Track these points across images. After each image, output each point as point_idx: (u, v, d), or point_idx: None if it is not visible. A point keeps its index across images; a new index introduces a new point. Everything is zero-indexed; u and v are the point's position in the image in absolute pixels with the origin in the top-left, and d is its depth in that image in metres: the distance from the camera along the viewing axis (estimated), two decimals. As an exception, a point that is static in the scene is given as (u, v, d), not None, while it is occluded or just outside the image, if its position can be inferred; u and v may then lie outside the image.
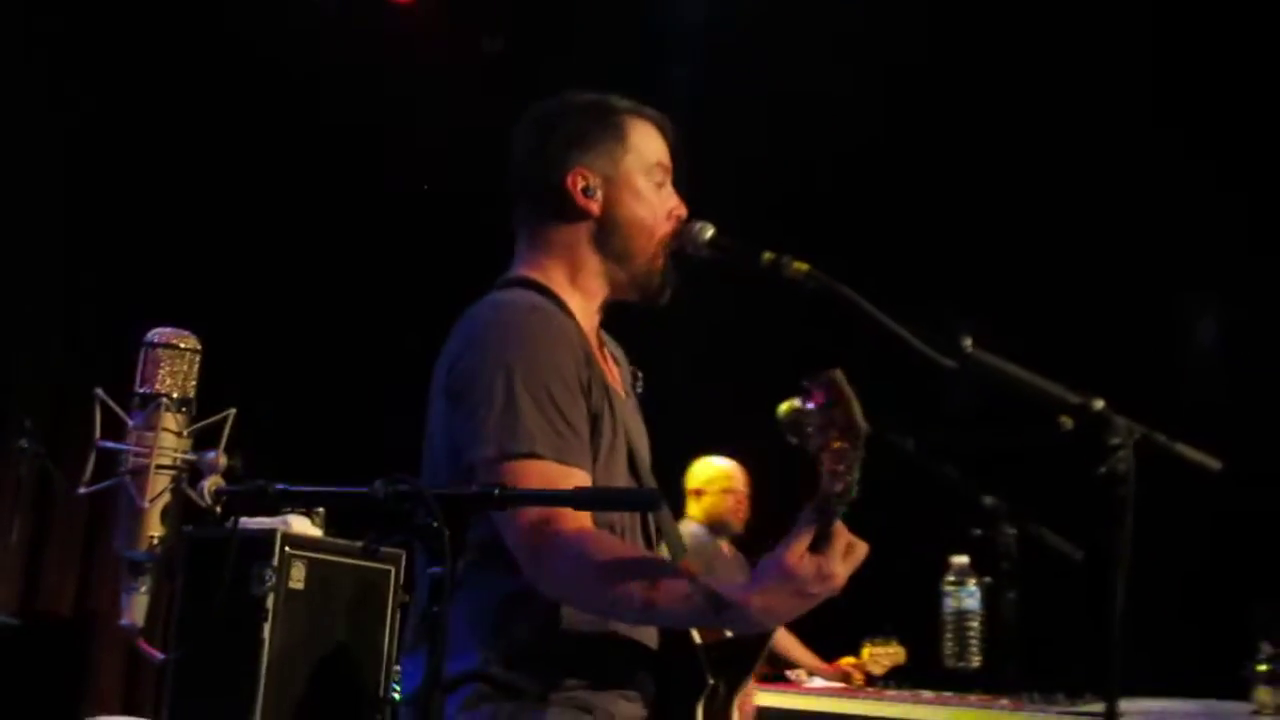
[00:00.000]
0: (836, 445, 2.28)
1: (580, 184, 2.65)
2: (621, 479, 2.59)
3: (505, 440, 2.38)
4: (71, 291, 7.11)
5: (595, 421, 2.52)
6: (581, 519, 2.38)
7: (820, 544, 2.27)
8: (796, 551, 2.27)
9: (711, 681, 2.53)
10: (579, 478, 2.40)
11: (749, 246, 2.64)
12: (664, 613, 2.38)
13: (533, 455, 2.37)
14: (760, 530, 5.95)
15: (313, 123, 7.66)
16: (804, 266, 2.57)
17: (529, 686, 2.43)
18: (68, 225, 7.08)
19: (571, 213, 2.67)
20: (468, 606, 2.44)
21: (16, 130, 6.83)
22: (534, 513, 2.33)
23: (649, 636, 2.57)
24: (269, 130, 7.64)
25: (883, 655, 5.45)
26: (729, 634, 2.60)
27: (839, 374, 2.30)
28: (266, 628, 5.66)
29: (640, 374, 2.87)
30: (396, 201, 8.02)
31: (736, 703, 2.59)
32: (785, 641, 5.71)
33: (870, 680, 5.45)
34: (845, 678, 5.50)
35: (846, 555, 2.28)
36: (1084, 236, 6.42)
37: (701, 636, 2.58)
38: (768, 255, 2.60)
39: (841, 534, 2.28)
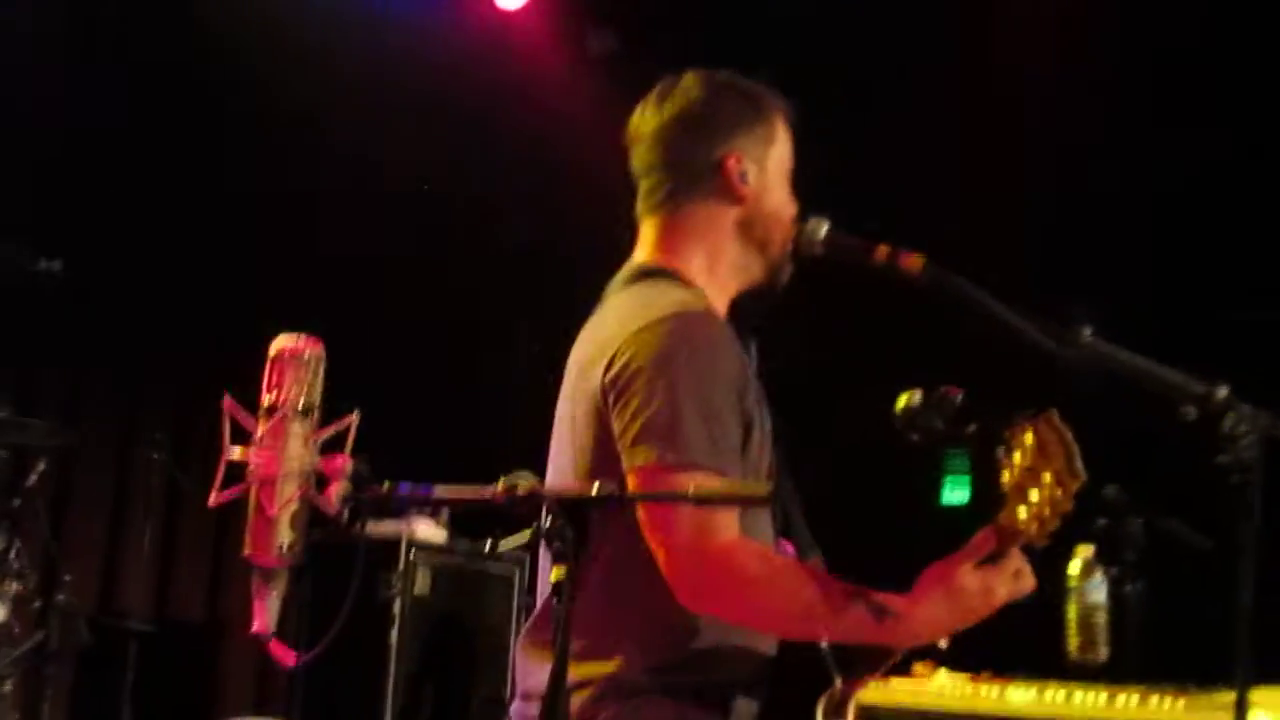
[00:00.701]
0: (1049, 490, 2.28)
1: (738, 167, 2.62)
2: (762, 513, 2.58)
3: (665, 449, 2.36)
4: (197, 300, 7.23)
5: (748, 429, 2.50)
6: (732, 531, 2.37)
7: (990, 562, 2.29)
8: (965, 566, 2.28)
9: (838, 681, 2.54)
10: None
11: (863, 242, 2.64)
12: (827, 625, 2.39)
13: (693, 465, 2.34)
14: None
15: (426, 129, 7.74)
16: (919, 260, 2.56)
17: (657, 687, 2.45)
18: (189, 236, 7.19)
19: (724, 195, 2.64)
20: (600, 608, 2.45)
21: (123, 133, 6.96)
22: (686, 530, 2.32)
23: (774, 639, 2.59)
24: (384, 136, 7.75)
25: None
26: None
27: (1056, 415, 2.30)
28: (393, 633, 5.76)
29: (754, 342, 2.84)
30: (509, 202, 8.08)
31: (853, 708, 2.58)
32: None
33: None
34: None
35: (1014, 579, 2.30)
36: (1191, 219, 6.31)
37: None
38: (882, 250, 2.59)
39: (1014, 557, 2.30)
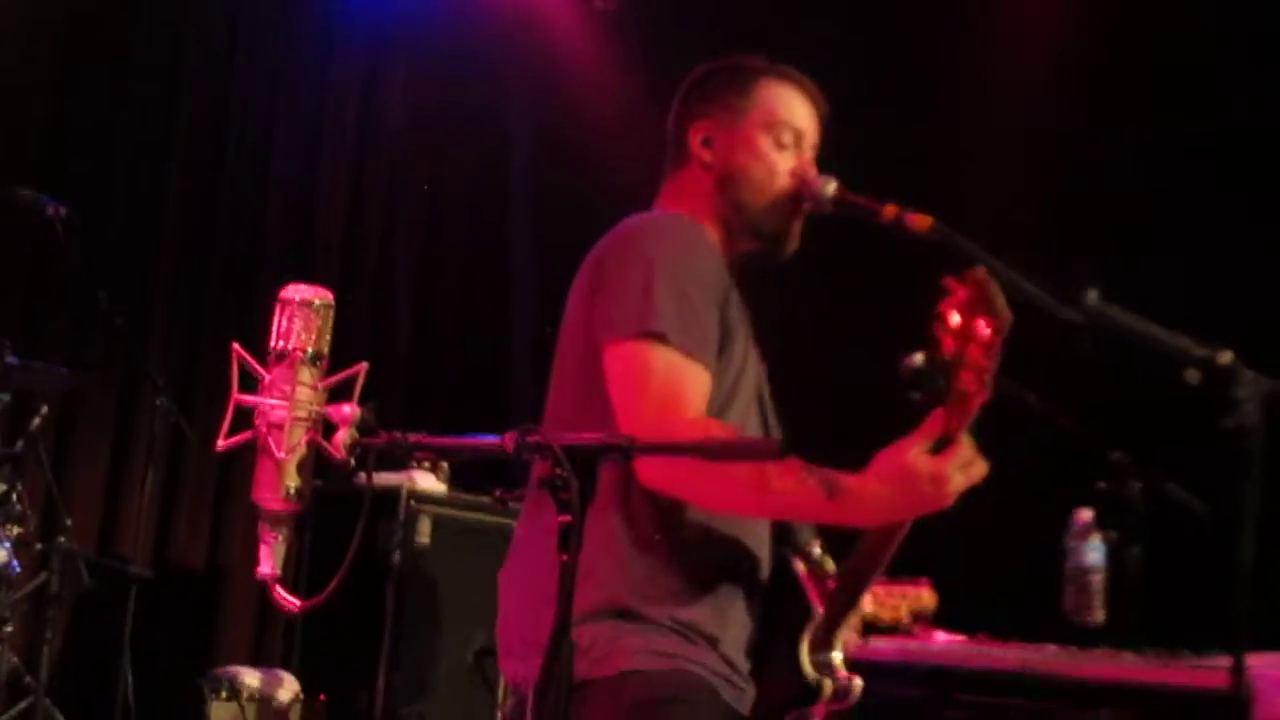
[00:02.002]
0: (984, 336, 2.30)
1: (700, 137, 2.79)
2: (747, 405, 2.66)
3: (637, 322, 2.47)
4: (202, 250, 7.24)
5: (730, 332, 2.60)
6: (699, 406, 2.45)
7: (942, 448, 2.30)
8: (916, 449, 2.30)
9: (819, 612, 2.57)
10: (698, 372, 2.48)
11: (871, 201, 2.65)
12: (778, 497, 2.41)
13: (661, 339, 2.45)
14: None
15: (441, 95, 7.78)
16: (926, 220, 2.58)
17: (635, 613, 2.50)
18: (194, 186, 7.19)
19: (693, 162, 2.80)
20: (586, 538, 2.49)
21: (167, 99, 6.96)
22: (653, 405, 2.40)
23: (758, 569, 2.64)
24: (397, 104, 7.80)
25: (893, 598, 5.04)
26: (832, 568, 2.64)
27: (984, 270, 2.33)
28: (392, 582, 5.78)
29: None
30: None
31: (842, 637, 2.61)
32: None
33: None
34: None
35: (965, 468, 2.31)
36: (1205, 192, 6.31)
37: (806, 569, 2.61)
38: (890, 209, 2.61)
39: (965, 447, 2.31)
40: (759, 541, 2.65)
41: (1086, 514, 4.37)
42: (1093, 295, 2.58)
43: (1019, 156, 6.59)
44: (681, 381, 2.45)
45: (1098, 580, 4.27)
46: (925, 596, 4.96)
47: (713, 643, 2.54)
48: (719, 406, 2.57)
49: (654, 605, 2.50)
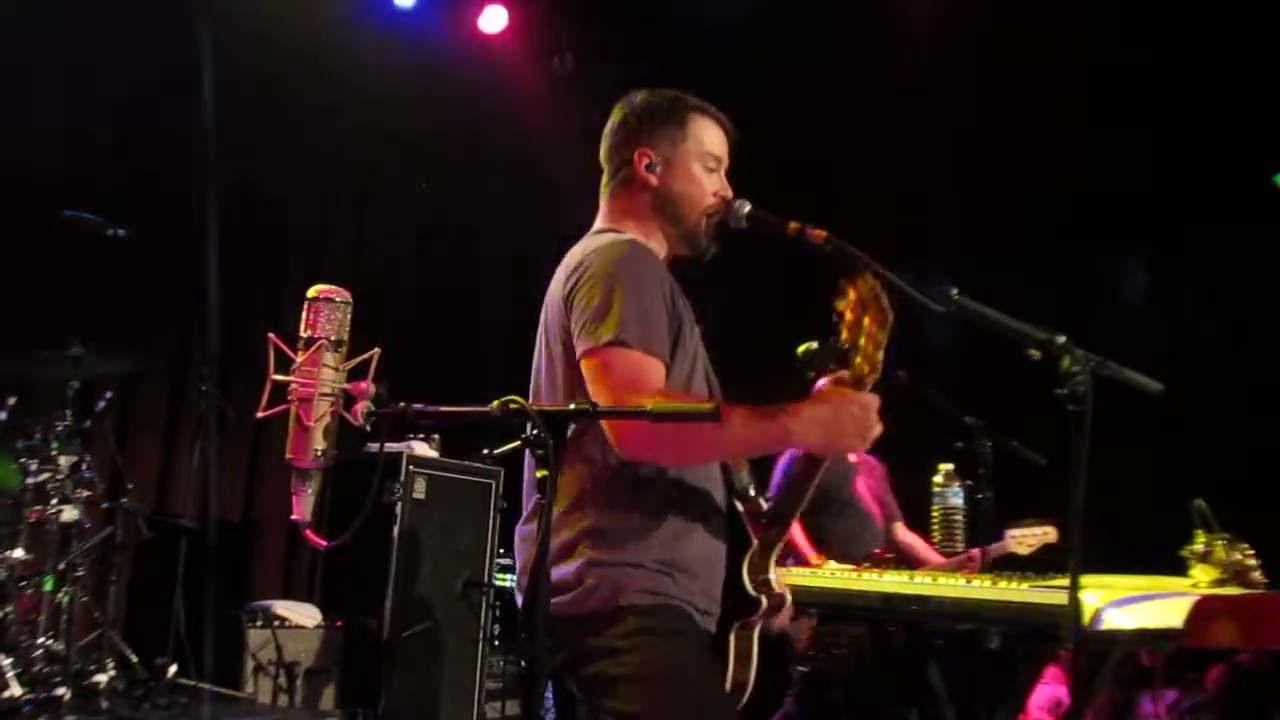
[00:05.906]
0: (872, 331, 2.38)
1: (644, 161, 2.73)
2: (703, 378, 2.63)
3: (605, 334, 2.43)
4: (236, 259, 7.16)
5: (680, 327, 2.57)
6: (654, 388, 2.41)
7: None
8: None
9: (755, 542, 2.56)
10: (654, 364, 2.45)
11: (779, 218, 2.65)
12: (740, 433, 2.40)
13: (623, 344, 2.41)
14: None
15: (426, 134, 7.72)
16: (822, 233, 2.58)
17: (631, 559, 2.47)
18: (230, 211, 7.09)
19: (638, 182, 2.74)
20: (568, 484, 2.49)
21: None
22: (617, 389, 2.37)
23: (717, 513, 2.61)
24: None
25: (1029, 536, 4.67)
26: (765, 505, 2.63)
27: (869, 274, 2.39)
28: (395, 529, 5.78)
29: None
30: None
31: (773, 562, 2.60)
32: (917, 550, 4.94)
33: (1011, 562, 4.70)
34: (960, 566, 4.63)
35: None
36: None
37: (745, 508, 2.62)
38: (793, 225, 2.60)
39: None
40: (716, 490, 2.63)
41: (948, 466, 4.40)
42: (954, 291, 2.60)
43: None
44: (640, 370, 2.41)
45: (958, 519, 4.31)
46: (1051, 532, 4.69)
47: (693, 578, 2.52)
48: (684, 382, 2.56)
49: (644, 550, 2.47)
